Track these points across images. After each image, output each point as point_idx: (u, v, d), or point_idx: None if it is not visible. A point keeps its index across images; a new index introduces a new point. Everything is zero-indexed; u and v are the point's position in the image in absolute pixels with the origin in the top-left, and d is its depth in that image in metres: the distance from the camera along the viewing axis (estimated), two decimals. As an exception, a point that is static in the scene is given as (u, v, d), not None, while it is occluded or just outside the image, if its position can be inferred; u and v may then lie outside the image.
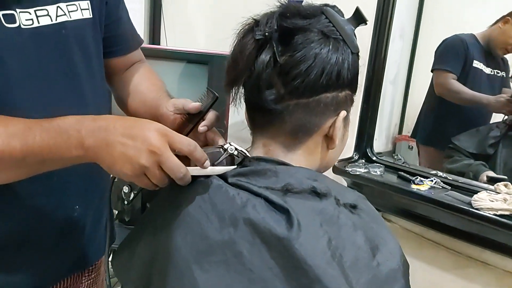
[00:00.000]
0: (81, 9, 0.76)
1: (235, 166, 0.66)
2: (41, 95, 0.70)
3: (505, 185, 1.32)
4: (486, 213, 1.17)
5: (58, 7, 0.72)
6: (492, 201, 1.18)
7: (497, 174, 1.65)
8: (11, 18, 0.65)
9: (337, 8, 0.67)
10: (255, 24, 0.64)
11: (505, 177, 1.58)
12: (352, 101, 0.69)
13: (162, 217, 0.67)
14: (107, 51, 0.87)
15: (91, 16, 0.78)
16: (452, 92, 1.84)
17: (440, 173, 1.42)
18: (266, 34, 0.63)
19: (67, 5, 0.73)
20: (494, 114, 2.01)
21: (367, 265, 0.58)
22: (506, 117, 1.78)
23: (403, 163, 1.55)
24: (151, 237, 0.67)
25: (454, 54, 1.87)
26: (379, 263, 0.59)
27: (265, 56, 0.63)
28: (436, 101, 1.92)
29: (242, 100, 0.69)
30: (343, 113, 0.66)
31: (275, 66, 0.63)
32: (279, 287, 0.55)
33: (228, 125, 1.64)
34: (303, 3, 0.67)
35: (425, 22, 2.06)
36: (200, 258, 0.59)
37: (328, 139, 0.68)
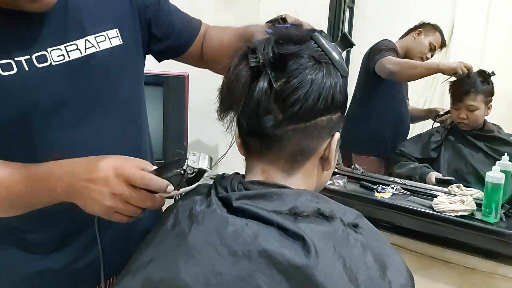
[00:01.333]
0: (109, 38, 0.78)
1: (197, 184, 0.70)
2: (67, 127, 0.73)
3: (458, 187, 1.42)
4: (447, 215, 1.25)
5: (86, 40, 0.74)
6: (451, 203, 1.25)
7: (443, 175, 1.77)
8: (42, 58, 0.70)
9: (324, 33, 0.68)
10: (250, 51, 0.64)
11: (452, 178, 1.70)
12: (343, 121, 0.70)
13: (160, 250, 0.64)
14: (178, 45, 0.92)
15: (121, 42, 0.79)
16: (409, 67, 1.87)
17: (397, 180, 1.49)
18: (261, 61, 0.63)
19: (95, 37, 0.76)
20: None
21: (380, 284, 0.59)
22: (445, 121, 1.92)
23: (362, 172, 1.60)
24: (147, 272, 0.63)
25: (391, 46, 1.99)
26: (390, 281, 0.60)
27: (262, 83, 0.63)
28: (362, 111, 2.03)
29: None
30: (337, 135, 0.68)
31: (271, 93, 0.63)
32: None
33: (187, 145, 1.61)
34: (289, 29, 0.68)
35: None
36: None
37: (324, 160, 0.69)
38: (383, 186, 1.42)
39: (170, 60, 0.98)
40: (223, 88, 0.66)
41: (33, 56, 0.69)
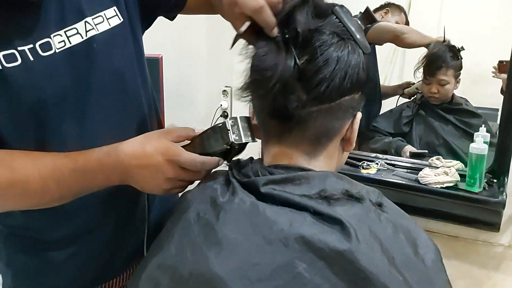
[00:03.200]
0: (107, 19, 0.73)
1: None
2: (75, 116, 0.71)
3: (438, 159, 1.46)
4: (433, 187, 1.28)
5: (86, 22, 0.70)
6: (436, 175, 1.29)
7: (416, 148, 1.82)
8: (47, 46, 0.66)
9: (345, 7, 0.66)
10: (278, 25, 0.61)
11: (426, 151, 1.76)
12: (363, 100, 0.69)
13: (185, 244, 0.60)
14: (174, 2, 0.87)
15: (121, 20, 0.75)
16: (413, 30, 1.88)
17: (380, 156, 1.52)
18: (287, 36, 0.60)
19: (92, 19, 0.71)
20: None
21: (414, 262, 0.59)
22: (416, 96, 1.98)
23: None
24: (174, 267, 0.59)
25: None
26: (423, 257, 0.60)
27: (287, 61, 0.60)
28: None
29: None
30: (359, 115, 0.67)
31: (296, 72, 0.60)
32: None
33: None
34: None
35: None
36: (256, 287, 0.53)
37: (345, 141, 0.67)
38: (368, 162, 1.44)
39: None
40: (248, 66, 0.64)
41: (37, 45, 0.65)
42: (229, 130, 0.65)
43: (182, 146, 0.67)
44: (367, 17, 0.66)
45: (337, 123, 0.64)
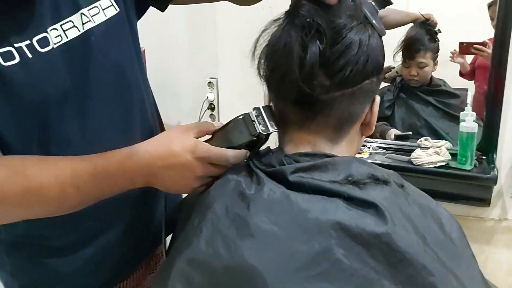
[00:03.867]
0: (103, 9, 0.69)
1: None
2: (78, 114, 0.67)
3: (426, 140, 1.49)
4: (427, 167, 1.31)
5: (81, 14, 0.66)
6: (429, 155, 1.32)
7: (399, 131, 1.86)
8: (44, 42, 0.62)
9: None
10: (294, 13, 0.60)
11: (410, 133, 1.80)
12: (380, 84, 0.69)
13: (215, 237, 0.58)
14: None
15: (118, 10, 0.71)
16: (393, 11, 1.83)
17: (370, 140, 1.53)
18: (308, 20, 0.59)
19: (88, 10, 0.67)
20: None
21: (443, 240, 0.60)
22: (396, 79, 2.01)
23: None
24: (206, 262, 0.58)
25: None
26: (450, 236, 0.61)
27: (312, 47, 0.58)
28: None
29: None
30: (378, 98, 0.67)
31: (319, 57, 0.59)
32: (387, 285, 0.52)
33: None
34: None
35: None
36: (295, 277, 0.53)
37: (364, 126, 0.67)
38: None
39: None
40: (268, 51, 0.62)
41: (34, 40, 0.61)
42: (254, 121, 0.64)
43: (205, 141, 0.65)
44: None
45: (359, 107, 0.64)
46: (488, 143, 1.33)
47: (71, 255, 0.74)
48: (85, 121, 0.68)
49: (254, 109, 0.65)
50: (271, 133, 0.65)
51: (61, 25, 0.64)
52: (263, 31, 0.64)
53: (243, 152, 0.65)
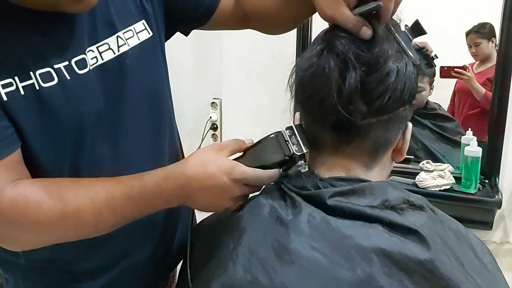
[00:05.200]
0: (137, 33, 0.70)
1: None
2: (110, 136, 0.67)
3: (428, 163, 1.51)
4: (432, 190, 1.32)
5: (117, 37, 0.67)
6: (434, 178, 1.33)
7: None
8: (82, 63, 0.62)
9: (394, 20, 0.66)
10: (332, 40, 0.60)
11: (412, 156, 1.82)
12: (412, 111, 0.70)
13: (254, 265, 0.57)
14: (201, 15, 0.80)
15: (151, 34, 0.71)
16: None
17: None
18: (347, 48, 0.59)
19: (123, 33, 0.68)
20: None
21: (479, 266, 0.61)
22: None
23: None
24: (239, 285, 0.56)
25: None
26: (483, 261, 0.62)
27: (352, 74, 0.59)
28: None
29: None
30: (410, 125, 0.68)
31: (358, 82, 0.59)
32: None
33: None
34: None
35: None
36: None
37: (395, 151, 0.68)
38: (364, 169, 1.45)
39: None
40: (303, 77, 0.61)
41: (73, 62, 0.61)
42: (287, 140, 0.64)
43: (235, 159, 0.65)
44: (417, 29, 0.65)
45: (393, 133, 0.64)
46: (490, 167, 1.35)
47: (90, 281, 0.72)
48: (117, 143, 0.67)
49: (287, 128, 0.65)
50: (304, 153, 0.65)
51: (97, 47, 0.64)
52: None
53: (276, 172, 0.65)
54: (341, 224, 0.56)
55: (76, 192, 0.58)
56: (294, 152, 0.63)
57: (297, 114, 0.69)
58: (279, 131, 0.65)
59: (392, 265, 0.52)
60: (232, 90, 1.56)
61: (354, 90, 0.58)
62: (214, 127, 1.64)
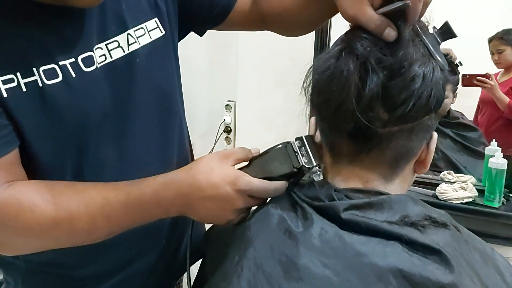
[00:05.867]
0: (148, 31, 0.67)
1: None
2: (115, 136, 0.64)
3: (449, 173, 1.45)
4: (453, 203, 1.26)
5: (128, 34, 0.64)
6: (455, 190, 1.27)
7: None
8: (89, 61, 0.60)
9: (422, 22, 0.61)
10: (352, 41, 0.56)
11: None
12: (438, 120, 0.65)
13: (260, 280, 0.53)
14: (216, 14, 0.77)
15: (163, 33, 0.68)
16: None
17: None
18: (369, 49, 0.55)
19: (134, 31, 0.65)
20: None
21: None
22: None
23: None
24: None
25: None
26: (510, 285, 0.57)
27: (373, 77, 0.54)
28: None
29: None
30: (435, 135, 0.63)
31: (380, 89, 0.55)
32: None
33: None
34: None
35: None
36: None
37: (419, 163, 0.63)
38: (382, 179, 1.41)
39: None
40: (320, 81, 0.57)
41: (79, 58, 0.59)
42: (296, 152, 0.61)
43: (240, 169, 0.61)
44: (446, 32, 0.60)
45: (417, 144, 0.59)
46: (516, 180, 1.29)
47: (91, 287, 0.70)
48: (122, 144, 0.64)
49: (297, 139, 0.62)
50: (314, 166, 0.62)
51: (106, 44, 0.62)
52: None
53: (284, 184, 0.61)
54: (356, 241, 0.52)
55: (71, 197, 0.56)
56: (303, 164, 0.60)
57: (312, 119, 0.65)
58: (288, 142, 0.61)
59: (411, 287, 0.48)
60: (247, 93, 1.53)
61: (375, 95, 0.54)
62: (227, 130, 1.61)
